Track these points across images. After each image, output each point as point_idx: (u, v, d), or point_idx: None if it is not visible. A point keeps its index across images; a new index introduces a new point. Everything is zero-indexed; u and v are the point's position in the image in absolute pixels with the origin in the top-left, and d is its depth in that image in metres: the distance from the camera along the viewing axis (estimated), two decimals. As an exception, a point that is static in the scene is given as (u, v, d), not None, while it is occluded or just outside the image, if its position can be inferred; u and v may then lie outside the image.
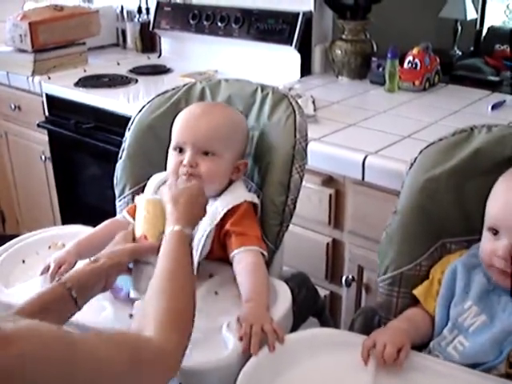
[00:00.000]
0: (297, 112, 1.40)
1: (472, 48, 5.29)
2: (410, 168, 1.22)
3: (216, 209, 1.32)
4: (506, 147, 1.16)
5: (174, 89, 1.57)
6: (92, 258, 1.16)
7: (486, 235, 1.06)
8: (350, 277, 1.74)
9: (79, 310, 1.07)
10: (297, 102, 1.43)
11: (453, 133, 1.21)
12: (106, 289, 1.16)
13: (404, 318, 1.15)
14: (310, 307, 1.46)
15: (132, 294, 1.20)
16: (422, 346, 1.12)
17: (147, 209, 1.26)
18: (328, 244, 1.78)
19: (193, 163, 1.30)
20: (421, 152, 1.22)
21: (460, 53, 5.02)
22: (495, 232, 1.04)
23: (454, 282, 1.11)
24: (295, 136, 1.36)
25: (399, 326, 1.12)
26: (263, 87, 1.48)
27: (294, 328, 1.28)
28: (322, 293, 1.84)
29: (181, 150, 1.33)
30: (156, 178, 1.41)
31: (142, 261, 1.21)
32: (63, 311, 1.06)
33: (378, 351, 1.03)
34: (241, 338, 1.09)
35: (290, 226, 1.74)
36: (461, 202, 1.10)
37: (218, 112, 1.37)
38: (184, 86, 1.57)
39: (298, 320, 1.32)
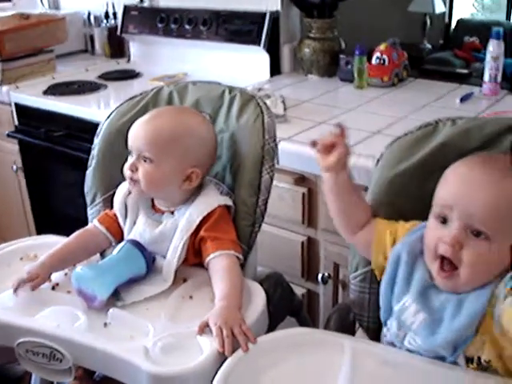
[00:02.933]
0: (265, 113, 1.40)
1: (441, 41, 5.34)
2: (377, 164, 1.23)
3: (190, 216, 1.31)
4: (471, 139, 1.16)
5: (141, 94, 1.57)
6: None
7: (433, 222, 1.03)
8: (326, 274, 1.75)
9: None
10: (265, 103, 1.43)
11: (418, 127, 1.22)
12: None
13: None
14: (287, 306, 1.45)
15: None
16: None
17: None
18: (303, 243, 1.79)
19: (132, 167, 1.31)
20: (387, 147, 1.23)
21: (430, 46, 5.07)
22: (443, 220, 1.00)
23: (397, 268, 1.08)
24: (264, 137, 1.37)
25: None
26: (231, 89, 1.48)
27: (272, 328, 1.28)
28: (299, 291, 1.84)
29: (131, 154, 1.33)
30: (124, 186, 1.40)
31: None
32: None
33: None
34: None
35: (265, 226, 1.75)
36: (428, 196, 1.09)
37: (164, 118, 1.34)
38: (152, 90, 1.57)
39: (274, 320, 1.32)
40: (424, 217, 1.08)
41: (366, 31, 2.61)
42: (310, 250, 1.80)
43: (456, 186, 1.00)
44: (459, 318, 0.98)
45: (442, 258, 0.99)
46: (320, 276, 1.76)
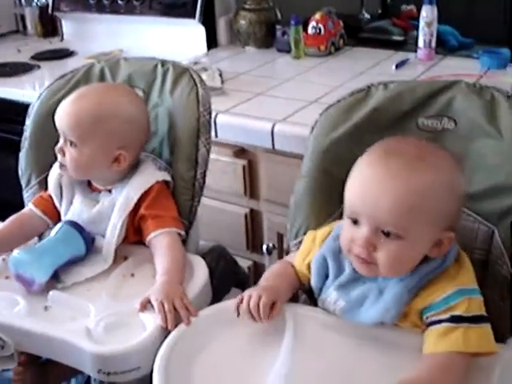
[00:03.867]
0: (199, 85, 1.38)
1: (379, 10, 5.37)
2: (312, 132, 1.23)
3: (128, 194, 1.29)
4: (403, 103, 1.18)
5: (72, 71, 1.53)
6: None
7: (346, 222, 0.99)
8: (271, 245, 1.76)
9: None
10: (198, 75, 1.41)
11: (350, 93, 1.22)
12: None
13: (271, 276, 1.14)
14: (231, 279, 1.46)
15: None
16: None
17: None
18: (246, 215, 1.79)
19: (60, 152, 1.29)
20: (320, 115, 1.23)
21: (368, 16, 5.09)
22: (355, 221, 0.97)
23: (326, 267, 1.08)
24: (198, 109, 1.35)
25: (267, 284, 1.10)
26: (163, 62, 1.46)
27: (217, 301, 1.28)
28: (245, 263, 1.85)
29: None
30: (57, 167, 1.36)
31: None
32: None
33: (254, 302, 1.02)
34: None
35: (208, 200, 1.75)
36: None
37: (88, 98, 1.28)
38: (83, 67, 1.53)
39: (219, 293, 1.32)
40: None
41: (301, 1, 2.60)
42: (253, 221, 1.80)
43: (358, 190, 0.97)
44: (378, 305, 0.99)
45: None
46: (265, 247, 1.76)
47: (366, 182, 0.96)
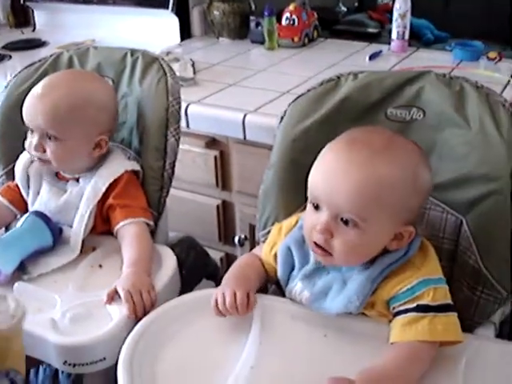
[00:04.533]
0: (168, 74, 1.37)
1: (356, 4, 5.38)
2: (281, 121, 1.22)
3: (96, 184, 1.28)
4: (372, 93, 1.17)
5: (40, 60, 1.51)
6: None
7: (309, 207, 0.99)
8: (243, 236, 1.75)
9: None
10: (168, 65, 1.40)
11: (320, 83, 1.22)
12: None
13: (238, 267, 1.13)
14: (201, 270, 1.45)
15: None
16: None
17: None
18: (218, 206, 1.79)
19: (39, 148, 1.25)
20: (289, 105, 1.22)
21: (345, 9, 5.09)
22: (316, 206, 0.96)
23: (292, 257, 1.07)
24: (168, 99, 1.34)
25: (236, 276, 1.10)
26: (133, 51, 1.44)
27: (188, 291, 1.27)
28: (217, 255, 1.84)
29: (32, 131, 1.26)
30: (25, 156, 1.35)
31: None
32: None
33: (231, 301, 1.01)
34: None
35: (180, 191, 1.74)
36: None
37: (61, 89, 1.25)
38: (51, 56, 1.51)
39: (189, 284, 1.32)
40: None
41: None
42: (225, 213, 1.80)
43: (321, 175, 0.96)
44: (341, 296, 0.98)
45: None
46: (237, 238, 1.76)
47: (328, 168, 0.96)
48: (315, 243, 0.97)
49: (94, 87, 1.30)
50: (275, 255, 1.10)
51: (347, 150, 0.95)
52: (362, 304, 0.97)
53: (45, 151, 1.25)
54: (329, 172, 0.95)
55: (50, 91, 1.25)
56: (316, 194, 0.96)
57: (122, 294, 1.09)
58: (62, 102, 1.23)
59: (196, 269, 1.40)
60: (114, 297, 1.11)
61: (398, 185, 0.93)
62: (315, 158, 1.01)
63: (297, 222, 1.11)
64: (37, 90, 1.26)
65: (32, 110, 1.24)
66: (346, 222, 0.93)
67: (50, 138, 1.24)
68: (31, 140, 1.26)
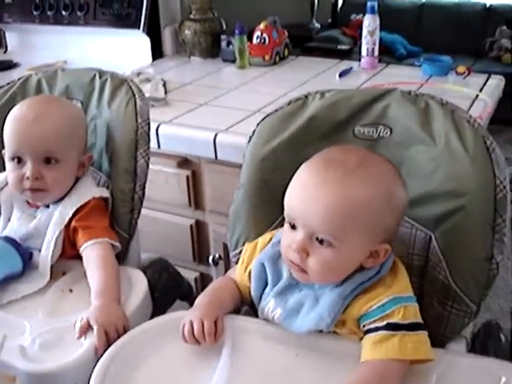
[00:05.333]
0: (137, 96, 1.37)
1: (330, 20, 5.44)
2: (249, 141, 1.22)
3: (63, 209, 1.27)
4: (340, 111, 1.18)
5: (9, 83, 1.50)
6: None
7: (286, 226, 1.00)
8: (217, 256, 1.75)
9: None
10: (137, 86, 1.40)
11: (288, 102, 1.22)
12: None
13: (211, 291, 1.13)
14: (174, 291, 1.44)
15: None
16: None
17: None
18: (191, 226, 1.78)
19: (37, 175, 1.23)
20: (258, 124, 1.23)
21: (319, 26, 5.15)
22: (293, 225, 0.97)
23: (265, 275, 1.07)
24: (137, 121, 1.34)
25: (208, 300, 1.09)
26: (101, 73, 1.44)
27: (161, 313, 1.26)
28: (192, 275, 1.84)
29: (19, 161, 1.24)
30: None
31: None
32: None
33: (198, 330, 1.01)
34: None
35: (153, 212, 1.73)
36: (300, 171, 1.09)
37: (52, 112, 1.26)
38: (19, 79, 1.50)
39: (162, 305, 1.31)
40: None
41: (248, 11, 2.61)
42: (199, 232, 1.79)
43: (296, 195, 0.97)
44: (313, 313, 0.99)
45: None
46: (211, 258, 1.76)
47: (302, 188, 0.96)
48: (292, 261, 0.97)
49: (77, 109, 1.36)
50: (250, 274, 1.10)
51: (321, 171, 0.95)
52: (333, 321, 0.97)
53: (42, 178, 1.23)
54: (303, 192, 0.95)
55: (45, 114, 1.25)
56: (291, 214, 0.97)
57: (95, 329, 1.07)
58: (60, 122, 1.25)
59: (169, 290, 1.39)
60: (87, 331, 1.08)
61: (373, 204, 0.93)
62: (284, 177, 1.01)
63: (271, 239, 1.11)
64: (26, 116, 1.24)
65: (27, 135, 1.23)
66: (321, 242, 0.94)
67: (49, 162, 1.23)
68: (22, 171, 1.23)
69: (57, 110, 1.29)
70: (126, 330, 1.09)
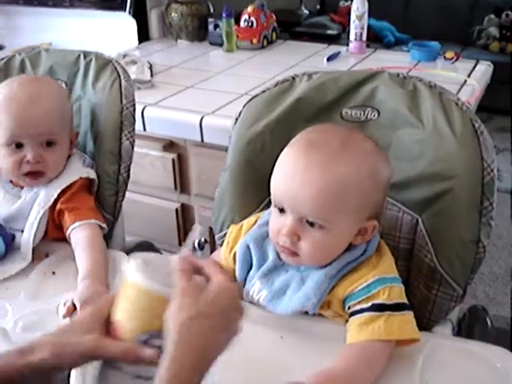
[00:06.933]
0: (122, 77, 1.35)
1: (318, 6, 5.42)
2: (236, 123, 1.21)
3: (49, 190, 1.25)
4: (327, 93, 1.17)
5: (-9, 64, 1.48)
6: (26, 346, 0.80)
7: (274, 210, 0.98)
8: (203, 240, 1.73)
9: None
10: (122, 67, 1.38)
11: (275, 84, 1.21)
12: None
13: None
14: (159, 275, 1.43)
15: None
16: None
17: (134, 296, 0.82)
18: (177, 209, 1.77)
19: (39, 158, 1.21)
20: (244, 106, 1.21)
21: (307, 12, 5.12)
22: (281, 209, 0.95)
23: (250, 258, 1.06)
24: (122, 102, 1.32)
25: None
26: (86, 54, 1.42)
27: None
28: (178, 259, 1.82)
29: (17, 145, 1.21)
30: None
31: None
32: None
33: None
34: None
35: (138, 195, 1.72)
36: (287, 152, 1.08)
37: (45, 92, 1.24)
38: (2, 59, 1.48)
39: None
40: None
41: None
42: (184, 216, 1.78)
43: (282, 180, 0.96)
44: (299, 294, 0.98)
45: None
46: (196, 242, 1.74)
47: (287, 174, 0.95)
48: (282, 246, 0.96)
49: (60, 85, 1.34)
50: (235, 256, 1.09)
51: (304, 155, 0.94)
52: (319, 301, 0.96)
53: (43, 160, 1.22)
54: (289, 176, 0.94)
55: (36, 96, 1.22)
56: (279, 198, 0.96)
57: (78, 307, 1.06)
58: (55, 105, 1.24)
59: (154, 273, 1.37)
60: (73, 311, 1.07)
61: (359, 182, 0.93)
62: (270, 160, 1.00)
63: (256, 221, 1.10)
64: (19, 99, 1.21)
65: (25, 119, 1.19)
66: (311, 224, 0.93)
67: (49, 145, 1.22)
68: (20, 155, 1.21)
69: (48, 89, 1.26)
70: None
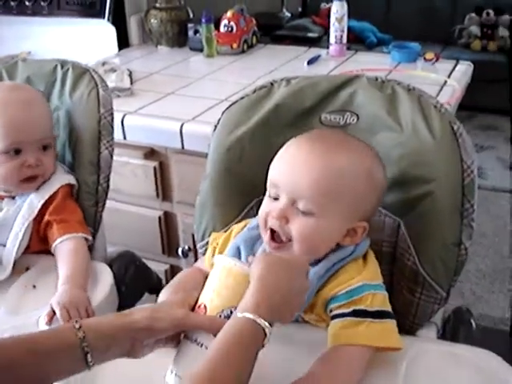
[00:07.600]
0: (99, 86, 1.34)
1: (300, 9, 5.43)
2: (215, 130, 1.20)
3: (32, 201, 1.25)
4: (305, 99, 1.16)
5: (-32, 74, 1.46)
6: (126, 311, 0.89)
7: (266, 198, 0.99)
8: (186, 247, 1.73)
9: (87, 369, 0.80)
10: (99, 76, 1.37)
11: (253, 90, 1.20)
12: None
13: (177, 283, 1.10)
14: (142, 284, 1.42)
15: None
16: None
17: (219, 276, 0.91)
18: (160, 217, 1.75)
19: (39, 162, 1.23)
20: (223, 113, 1.20)
21: (289, 14, 5.13)
22: (275, 198, 0.96)
23: (240, 259, 1.04)
24: (99, 111, 1.31)
25: (172, 291, 1.06)
26: (63, 63, 1.41)
27: (130, 307, 1.24)
28: (162, 267, 1.81)
29: (16, 151, 1.22)
30: None
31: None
32: (63, 365, 0.80)
33: None
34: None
35: (120, 204, 1.70)
36: (267, 158, 1.07)
37: (35, 97, 1.27)
38: (-21, 70, 1.46)
39: (130, 299, 1.29)
40: (265, 180, 1.07)
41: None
42: (167, 224, 1.77)
43: (283, 165, 0.98)
44: None
45: (272, 231, 0.97)
46: (180, 250, 1.73)
47: (290, 159, 0.97)
48: (270, 230, 0.96)
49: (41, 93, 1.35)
50: None
51: (308, 145, 0.97)
52: (307, 300, 0.96)
53: (42, 164, 1.24)
54: (290, 163, 0.97)
55: (29, 102, 1.25)
56: (276, 181, 0.97)
57: (57, 311, 1.06)
58: (46, 109, 1.28)
59: (136, 284, 1.36)
60: (53, 316, 1.07)
61: (355, 176, 0.95)
62: (249, 167, 1.02)
63: (245, 225, 1.10)
64: (13, 103, 1.23)
65: (25, 124, 1.22)
66: (303, 213, 0.94)
67: (45, 149, 1.25)
68: (19, 161, 1.22)
69: (35, 94, 1.29)
70: (89, 315, 1.08)
